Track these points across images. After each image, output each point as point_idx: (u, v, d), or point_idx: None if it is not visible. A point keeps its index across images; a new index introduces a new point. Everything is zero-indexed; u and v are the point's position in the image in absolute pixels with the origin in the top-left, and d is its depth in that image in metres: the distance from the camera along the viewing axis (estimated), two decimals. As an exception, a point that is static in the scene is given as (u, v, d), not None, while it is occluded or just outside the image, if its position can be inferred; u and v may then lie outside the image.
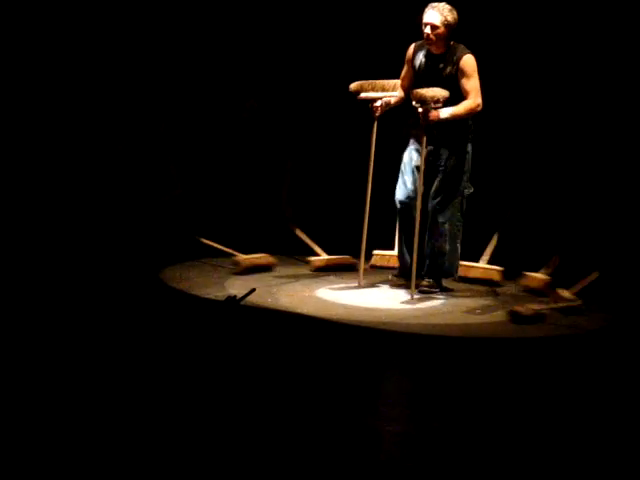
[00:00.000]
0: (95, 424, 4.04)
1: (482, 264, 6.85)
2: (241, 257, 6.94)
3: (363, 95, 6.51)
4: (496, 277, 6.76)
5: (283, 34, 8.14)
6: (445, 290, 6.49)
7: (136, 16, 8.04)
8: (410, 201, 6.45)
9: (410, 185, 6.45)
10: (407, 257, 6.52)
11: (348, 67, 7.44)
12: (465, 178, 6.39)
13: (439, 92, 6.20)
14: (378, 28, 7.83)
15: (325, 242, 7.29)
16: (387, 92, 6.52)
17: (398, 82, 6.52)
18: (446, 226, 6.37)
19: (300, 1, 8.12)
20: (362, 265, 6.59)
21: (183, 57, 8.16)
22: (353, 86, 6.52)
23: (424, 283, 6.44)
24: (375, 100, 6.50)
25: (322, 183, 8.18)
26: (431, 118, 6.20)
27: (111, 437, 3.93)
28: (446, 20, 6.23)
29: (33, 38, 7.80)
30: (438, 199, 6.37)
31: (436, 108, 6.20)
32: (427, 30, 6.25)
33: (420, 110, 6.22)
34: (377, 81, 6.53)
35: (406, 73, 6.51)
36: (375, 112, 6.50)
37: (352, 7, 8.01)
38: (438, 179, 6.37)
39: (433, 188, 6.38)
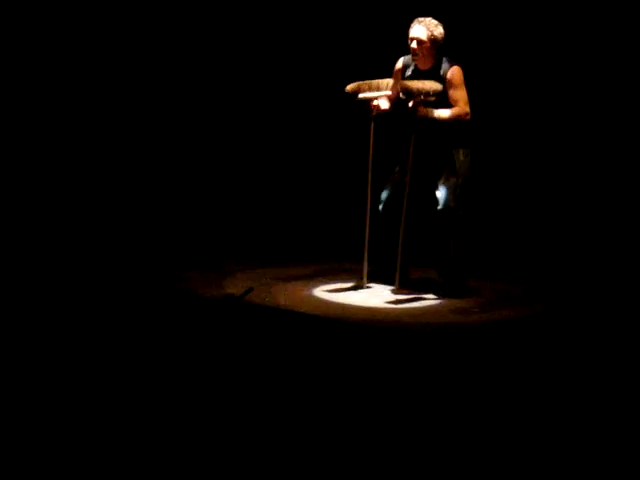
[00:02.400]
0: (97, 422, 4.19)
1: None
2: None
3: (362, 96, 6.53)
4: None
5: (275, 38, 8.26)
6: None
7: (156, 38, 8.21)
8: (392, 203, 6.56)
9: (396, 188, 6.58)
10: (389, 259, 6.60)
11: (337, 69, 7.56)
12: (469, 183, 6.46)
13: (429, 85, 6.27)
14: (368, 30, 7.95)
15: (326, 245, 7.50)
16: (382, 91, 6.55)
17: (391, 81, 6.54)
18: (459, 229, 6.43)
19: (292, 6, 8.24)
20: (365, 265, 6.61)
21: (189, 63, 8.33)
22: (350, 87, 6.53)
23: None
24: (372, 100, 6.53)
25: (320, 185, 8.28)
26: (419, 113, 6.29)
27: (113, 435, 4.08)
28: (432, 35, 6.30)
29: (33, 39, 7.90)
30: (454, 204, 6.38)
31: (427, 101, 6.28)
32: (413, 45, 6.33)
33: (410, 104, 6.31)
34: (372, 81, 6.56)
35: (395, 85, 6.52)
36: (373, 111, 6.54)
37: (343, 9, 8.11)
38: (452, 182, 6.39)
39: (445, 193, 6.39)
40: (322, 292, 6.58)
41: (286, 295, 6.46)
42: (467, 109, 6.34)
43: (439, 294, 6.49)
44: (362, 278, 6.65)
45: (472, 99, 6.39)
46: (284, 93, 8.31)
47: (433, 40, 6.33)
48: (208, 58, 8.31)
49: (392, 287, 6.55)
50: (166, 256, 7.31)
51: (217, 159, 8.35)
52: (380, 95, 6.54)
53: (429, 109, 6.31)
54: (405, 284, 6.55)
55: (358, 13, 8.04)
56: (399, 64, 6.58)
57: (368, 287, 6.66)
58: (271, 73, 8.34)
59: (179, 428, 4.15)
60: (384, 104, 6.54)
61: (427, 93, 6.27)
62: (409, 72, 6.51)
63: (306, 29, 8.19)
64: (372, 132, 6.59)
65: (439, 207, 6.41)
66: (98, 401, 4.42)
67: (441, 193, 6.40)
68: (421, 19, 6.37)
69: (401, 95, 6.37)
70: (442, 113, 6.33)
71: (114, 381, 4.67)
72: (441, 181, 6.42)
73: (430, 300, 6.45)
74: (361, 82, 6.55)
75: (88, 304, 5.97)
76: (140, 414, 4.30)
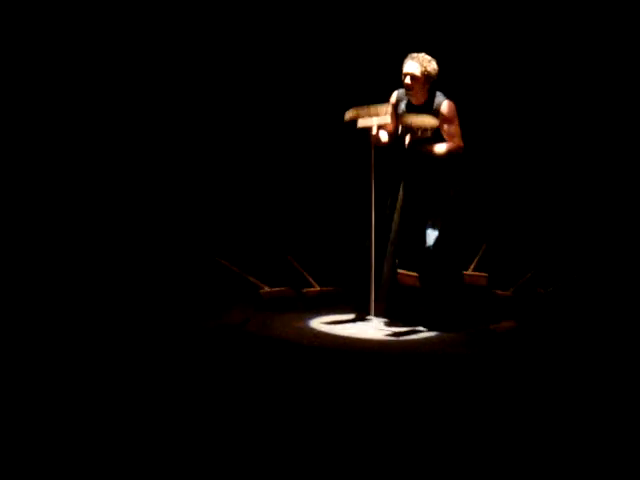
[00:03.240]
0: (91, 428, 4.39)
1: (469, 271, 6.99)
2: (265, 289, 7.03)
3: (361, 124, 6.49)
4: (482, 282, 6.82)
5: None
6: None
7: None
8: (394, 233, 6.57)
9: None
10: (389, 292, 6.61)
11: (335, 97, 7.61)
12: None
13: (427, 120, 6.31)
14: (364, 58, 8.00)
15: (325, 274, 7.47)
16: (381, 117, 6.46)
17: (390, 107, 6.48)
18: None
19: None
20: (372, 296, 6.60)
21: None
22: (348, 115, 6.50)
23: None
24: (372, 128, 6.48)
25: (320, 212, 8.31)
26: (417, 148, 6.33)
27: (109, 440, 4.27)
28: (426, 70, 6.31)
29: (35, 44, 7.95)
30: (436, 247, 6.42)
31: (423, 136, 6.32)
32: (407, 80, 6.35)
33: (407, 139, 6.37)
34: (370, 106, 6.49)
35: (393, 118, 6.50)
36: (374, 140, 6.50)
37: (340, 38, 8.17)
38: (437, 224, 6.42)
39: (430, 236, 6.43)
40: (319, 324, 6.57)
41: (282, 326, 6.45)
42: (461, 143, 6.39)
43: (428, 327, 6.48)
44: (368, 309, 6.63)
45: (466, 134, 6.44)
46: (285, 122, 8.37)
47: (427, 76, 6.35)
48: (205, 96, 8.36)
49: (386, 320, 6.58)
50: (164, 284, 7.36)
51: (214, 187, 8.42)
52: (379, 122, 6.47)
53: (425, 145, 6.34)
54: (400, 317, 6.58)
55: (354, 40, 8.07)
56: (393, 98, 6.60)
57: (367, 319, 6.64)
58: (272, 105, 8.38)
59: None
60: (384, 137, 6.54)
61: (424, 129, 6.31)
62: (402, 106, 6.54)
63: (302, 60, 8.25)
64: (373, 161, 6.56)
65: (423, 248, 6.44)
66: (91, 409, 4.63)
67: (426, 235, 6.42)
68: (414, 55, 6.38)
69: (400, 128, 6.41)
70: (437, 148, 6.36)
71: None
72: (428, 222, 6.44)
73: (425, 333, 6.42)
74: (359, 108, 6.51)
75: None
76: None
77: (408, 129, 6.35)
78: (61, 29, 7.96)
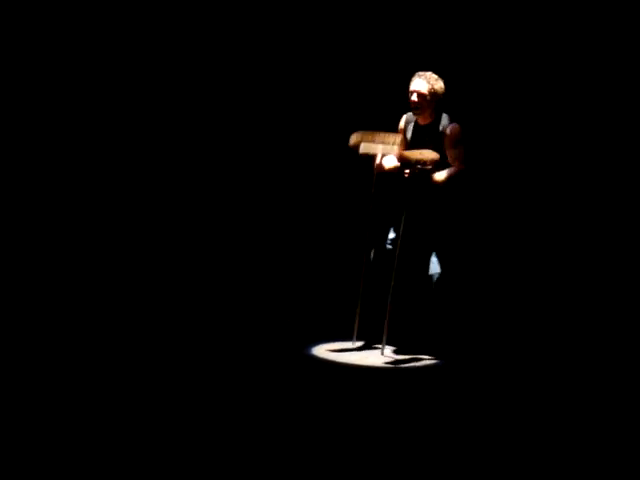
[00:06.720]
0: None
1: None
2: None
3: (364, 150, 6.44)
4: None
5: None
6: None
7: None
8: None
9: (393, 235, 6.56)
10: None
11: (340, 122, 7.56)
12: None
13: (426, 154, 6.31)
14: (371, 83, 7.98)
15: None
16: (387, 145, 6.41)
17: (399, 137, 6.46)
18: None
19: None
20: (357, 322, 6.55)
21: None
22: (353, 140, 6.46)
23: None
24: (375, 156, 6.45)
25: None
26: (416, 178, 6.33)
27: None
28: (433, 89, 6.35)
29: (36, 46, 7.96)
30: (434, 272, 6.42)
31: (424, 170, 6.31)
32: (414, 98, 6.38)
33: (406, 171, 6.37)
34: (378, 133, 6.45)
35: (400, 143, 6.48)
36: (376, 167, 6.45)
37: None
38: (435, 249, 6.45)
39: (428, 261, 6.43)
40: (320, 352, 6.49)
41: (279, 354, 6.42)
42: (463, 166, 6.40)
43: (423, 354, 6.44)
44: (352, 336, 6.57)
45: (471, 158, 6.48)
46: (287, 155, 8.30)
47: (433, 93, 6.37)
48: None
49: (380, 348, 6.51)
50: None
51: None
52: (384, 151, 6.44)
53: (426, 175, 6.33)
54: (400, 345, 6.54)
55: (360, 66, 8.05)
56: (402, 123, 6.63)
57: (358, 347, 6.58)
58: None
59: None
60: (389, 162, 6.50)
61: (424, 162, 6.31)
62: (410, 128, 6.55)
63: (305, 85, 8.21)
64: (374, 188, 6.52)
65: (423, 274, 6.43)
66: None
67: (429, 263, 6.42)
68: (421, 73, 6.41)
69: (399, 165, 6.43)
70: (438, 176, 6.36)
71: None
72: (425, 248, 6.45)
73: (421, 361, 6.37)
74: (364, 132, 6.48)
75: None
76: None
77: (407, 164, 6.37)
78: (61, 29, 7.98)
